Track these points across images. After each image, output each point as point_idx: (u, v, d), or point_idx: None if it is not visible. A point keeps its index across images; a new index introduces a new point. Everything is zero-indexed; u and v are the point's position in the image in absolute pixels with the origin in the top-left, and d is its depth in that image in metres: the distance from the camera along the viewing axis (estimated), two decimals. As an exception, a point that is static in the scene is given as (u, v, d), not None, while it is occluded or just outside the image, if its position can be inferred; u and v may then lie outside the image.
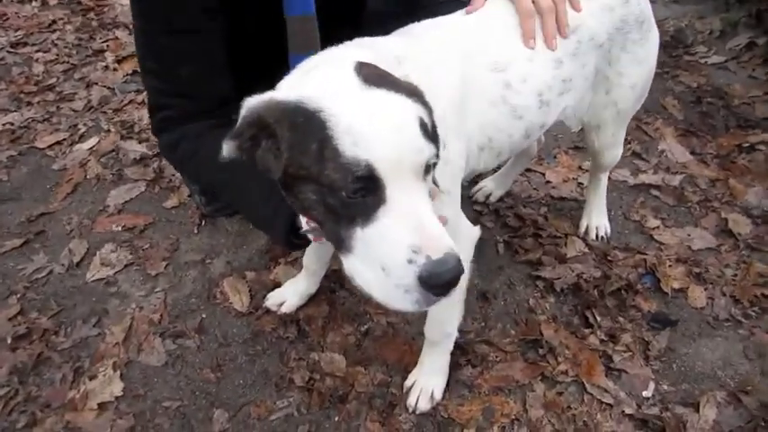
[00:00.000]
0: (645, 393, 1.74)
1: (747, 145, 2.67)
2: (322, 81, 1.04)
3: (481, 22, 1.51)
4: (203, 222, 2.35)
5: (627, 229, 2.31)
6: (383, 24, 1.47)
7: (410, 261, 0.94)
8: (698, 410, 1.69)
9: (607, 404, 1.72)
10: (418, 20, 1.50)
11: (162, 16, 1.50)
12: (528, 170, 2.55)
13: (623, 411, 1.70)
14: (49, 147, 2.79)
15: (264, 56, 1.60)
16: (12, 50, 3.56)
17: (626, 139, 2.02)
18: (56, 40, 3.66)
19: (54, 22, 3.85)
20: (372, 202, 0.97)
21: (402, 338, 1.91)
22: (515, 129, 1.55)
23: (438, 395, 1.72)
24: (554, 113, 1.65)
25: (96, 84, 3.24)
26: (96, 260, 2.21)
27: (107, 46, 3.59)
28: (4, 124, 2.94)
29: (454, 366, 1.78)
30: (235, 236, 2.29)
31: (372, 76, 1.03)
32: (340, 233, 1.02)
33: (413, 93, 1.05)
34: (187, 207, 2.43)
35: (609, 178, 2.28)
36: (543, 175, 2.57)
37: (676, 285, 2.06)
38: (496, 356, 1.85)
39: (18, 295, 2.08)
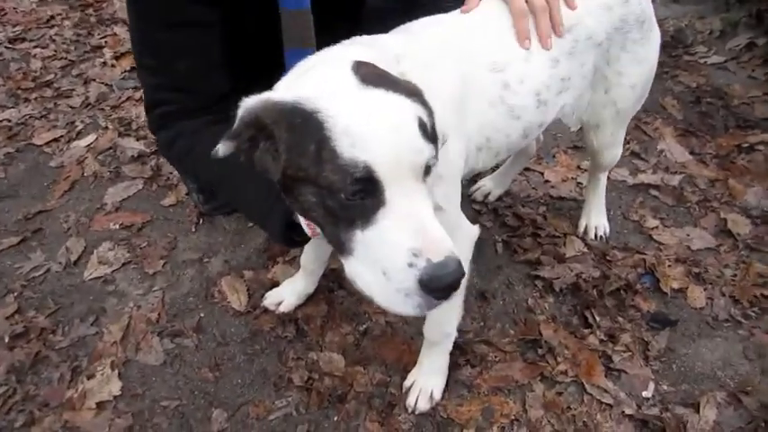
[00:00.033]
0: (645, 394, 1.74)
1: (747, 145, 2.67)
2: (319, 81, 1.03)
3: (480, 22, 1.50)
4: (201, 221, 2.34)
5: (626, 229, 2.30)
6: (382, 21, 1.47)
7: (410, 265, 0.93)
8: (698, 411, 1.69)
9: (607, 404, 1.72)
10: (417, 17, 1.49)
11: (159, 10, 1.50)
12: (527, 169, 2.55)
13: (623, 412, 1.69)
14: (47, 144, 2.78)
15: (262, 51, 1.59)
16: (9, 46, 3.55)
17: (625, 139, 2.02)
18: (54, 35, 3.65)
19: (52, 17, 3.83)
20: (372, 204, 0.96)
21: (401, 338, 1.90)
22: (513, 129, 1.54)
23: (437, 395, 1.71)
24: (552, 112, 1.64)
25: (94, 80, 3.23)
26: (94, 258, 2.20)
27: (105, 42, 3.57)
28: (1, 120, 2.93)
29: (453, 366, 1.78)
30: (233, 234, 2.28)
31: (370, 75, 1.02)
32: (340, 236, 1.01)
33: (412, 92, 1.04)
34: (185, 205, 2.42)
35: (608, 178, 2.27)
36: (542, 174, 2.56)
37: (676, 285, 2.05)
38: (496, 356, 1.84)
39: (15, 294, 2.07)
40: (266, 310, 1.99)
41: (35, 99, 3.09)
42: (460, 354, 1.82)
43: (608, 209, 2.29)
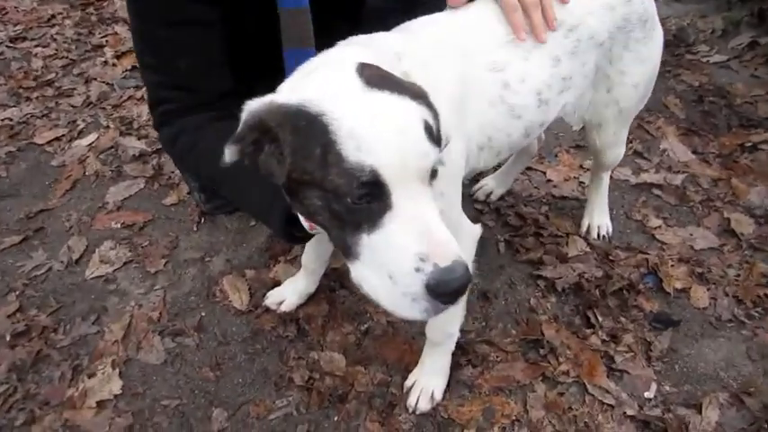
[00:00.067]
0: (647, 394, 1.73)
1: (750, 144, 2.65)
2: (323, 83, 1.03)
3: (479, 21, 1.49)
4: (203, 220, 2.34)
5: (629, 229, 2.30)
6: (382, 21, 1.46)
7: (417, 269, 0.93)
8: (700, 412, 1.68)
9: (608, 405, 1.71)
10: (417, 17, 1.49)
11: (159, 9, 1.50)
12: (529, 169, 2.54)
13: (625, 412, 1.68)
14: (48, 143, 2.78)
15: (262, 50, 1.59)
16: (11, 45, 3.55)
17: (627, 138, 2.01)
18: (55, 34, 3.64)
19: (53, 16, 3.83)
20: (378, 207, 0.95)
21: (402, 338, 1.90)
22: (514, 128, 1.53)
23: (438, 395, 1.71)
24: (553, 112, 1.63)
25: (95, 79, 3.23)
26: (95, 257, 2.19)
27: (106, 41, 3.57)
28: (2, 120, 2.93)
29: (454, 366, 1.77)
30: (234, 233, 2.28)
31: (375, 77, 1.01)
32: (346, 239, 1.00)
33: (417, 95, 1.03)
34: (186, 204, 2.42)
35: (610, 177, 2.26)
36: (544, 173, 2.55)
37: (678, 285, 2.04)
38: (497, 356, 1.84)
39: (17, 292, 2.07)
40: (267, 310, 1.98)
41: (36, 98, 3.09)
42: (462, 354, 1.81)
43: (610, 208, 2.29)
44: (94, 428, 1.69)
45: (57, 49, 3.50)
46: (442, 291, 0.93)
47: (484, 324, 1.94)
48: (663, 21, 1.77)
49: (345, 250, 1.03)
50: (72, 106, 3.03)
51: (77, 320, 1.97)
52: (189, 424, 1.70)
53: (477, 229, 1.54)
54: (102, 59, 3.39)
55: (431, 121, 1.00)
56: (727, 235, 2.24)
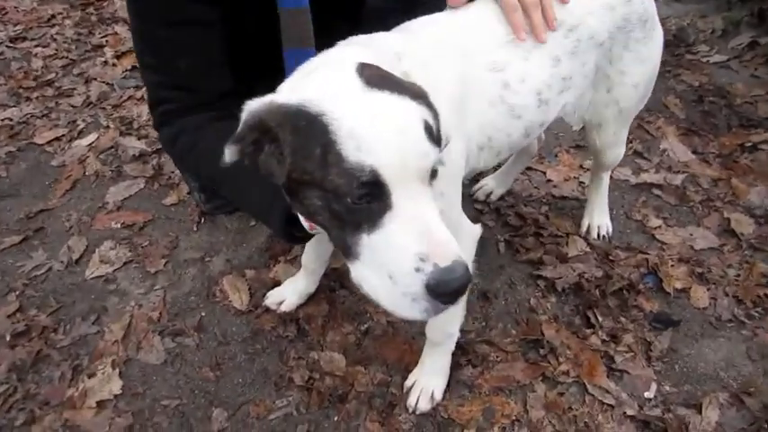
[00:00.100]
0: (647, 394, 1.73)
1: (750, 144, 2.65)
2: (323, 83, 1.02)
3: (479, 20, 1.49)
4: (203, 220, 2.34)
5: (629, 229, 2.30)
6: (382, 21, 1.46)
7: (417, 269, 0.93)
8: (700, 412, 1.68)
9: (608, 405, 1.71)
10: (417, 17, 1.49)
11: (158, 9, 1.50)
12: (529, 169, 2.54)
13: (625, 413, 1.68)
14: (48, 143, 2.78)
15: (262, 50, 1.59)
16: (11, 45, 3.54)
17: (627, 138, 2.01)
18: (55, 34, 3.64)
19: (53, 16, 3.83)
20: (378, 208, 0.95)
21: (402, 338, 1.89)
22: (514, 128, 1.53)
23: (438, 395, 1.70)
24: (553, 112, 1.63)
25: (95, 79, 3.23)
26: (95, 257, 2.19)
27: (106, 41, 3.57)
28: (2, 119, 2.93)
29: (454, 366, 1.77)
30: (234, 233, 2.28)
31: (375, 77, 1.01)
32: (346, 239, 1.00)
33: (417, 95, 1.03)
34: (186, 204, 2.42)
35: (610, 177, 2.26)
36: (544, 173, 2.55)
37: (678, 285, 2.04)
38: (497, 356, 1.84)
39: (17, 292, 2.07)
40: (267, 310, 1.98)
41: (36, 98, 3.09)
42: (462, 354, 1.81)
43: (610, 208, 2.29)
44: (94, 428, 1.68)
45: (57, 49, 3.50)
46: (442, 291, 0.93)
47: (484, 324, 1.94)
48: (663, 21, 1.77)
49: (345, 250, 1.03)
50: (72, 106, 3.03)
51: (77, 320, 1.97)
52: (189, 424, 1.70)
53: (477, 230, 1.54)
54: (102, 59, 3.39)
55: (431, 121, 1.00)
56: (727, 235, 2.24)
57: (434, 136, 1.00)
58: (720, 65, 3.22)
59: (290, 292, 1.98)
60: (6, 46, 3.53)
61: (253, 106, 1.03)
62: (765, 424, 1.65)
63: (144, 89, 3.03)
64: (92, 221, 2.36)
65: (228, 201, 2.09)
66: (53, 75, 3.28)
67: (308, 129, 0.95)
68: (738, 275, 2.08)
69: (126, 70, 3.30)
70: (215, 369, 1.83)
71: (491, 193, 2.41)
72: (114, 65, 3.35)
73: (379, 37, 1.36)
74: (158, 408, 1.74)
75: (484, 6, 1.51)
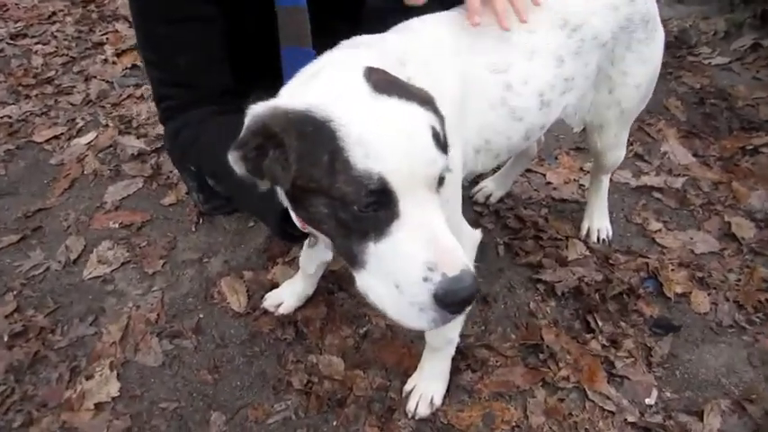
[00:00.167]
0: (647, 401, 1.72)
1: (751, 147, 2.64)
2: (330, 88, 1.01)
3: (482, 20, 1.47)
4: (201, 220, 2.33)
5: (629, 232, 2.29)
6: (382, 21, 1.44)
7: (425, 279, 0.92)
8: (701, 419, 1.67)
9: (609, 411, 1.70)
10: (417, 16, 1.47)
11: (157, 6, 1.50)
12: (529, 171, 2.53)
13: (625, 419, 1.68)
14: (47, 141, 2.77)
15: (262, 47, 1.58)
16: (11, 42, 3.53)
17: (628, 141, 2.00)
18: (55, 32, 3.63)
19: (54, 13, 3.82)
20: (385, 216, 0.94)
21: (401, 341, 1.89)
22: (514, 131, 1.52)
23: (438, 400, 1.70)
24: (555, 114, 1.62)
25: (95, 77, 3.22)
26: (93, 257, 2.19)
27: (106, 39, 3.56)
28: (1, 117, 2.92)
29: (454, 371, 1.76)
30: (233, 234, 2.27)
31: (383, 82, 0.99)
32: (352, 248, 0.99)
33: (425, 100, 1.01)
34: (185, 204, 2.41)
35: (610, 180, 2.25)
36: (544, 176, 2.54)
37: (679, 290, 2.03)
38: (497, 361, 1.83)
39: (15, 292, 2.07)
40: (266, 312, 1.97)
41: (36, 96, 3.08)
42: (461, 358, 1.80)
43: (610, 211, 2.28)
44: (92, 431, 1.68)
45: (57, 47, 3.49)
46: (450, 300, 0.92)
47: (483, 328, 1.93)
48: (665, 22, 1.75)
49: (351, 259, 1.01)
50: (71, 104, 3.02)
51: (75, 321, 1.97)
52: (187, 427, 1.69)
53: (477, 234, 1.53)
54: (103, 57, 3.38)
55: (438, 128, 0.99)
56: (728, 239, 2.23)
57: (441, 142, 0.99)
58: (722, 67, 3.20)
59: (288, 295, 1.97)
60: (6, 43, 3.52)
61: (256, 110, 1.01)
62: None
63: (144, 88, 3.05)
64: (90, 221, 2.35)
65: (227, 197, 2.08)
66: (53, 72, 3.26)
67: (315, 135, 0.94)
68: (739, 280, 2.07)
69: (126, 68, 3.28)
70: (213, 372, 1.82)
71: (490, 195, 2.41)
72: (114, 63, 3.33)
73: (382, 38, 1.34)
74: (156, 410, 1.73)
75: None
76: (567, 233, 2.27)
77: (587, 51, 1.56)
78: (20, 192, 2.50)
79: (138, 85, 3.10)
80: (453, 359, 1.73)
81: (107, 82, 3.18)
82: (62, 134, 2.81)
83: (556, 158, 2.64)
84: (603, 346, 1.86)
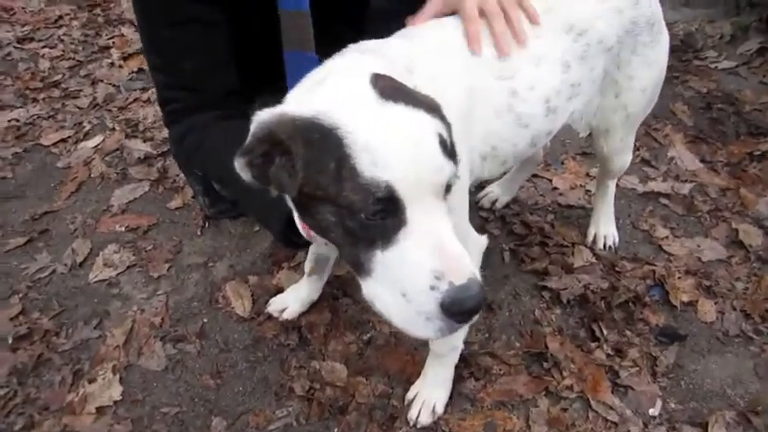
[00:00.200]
0: (651, 411, 1.70)
1: (759, 153, 2.62)
2: (337, 95, 1.00)
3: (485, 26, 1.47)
4: (207, 224, 2.33)
5: (635, 239, 2.27)
6: (386, 23, 1.44)
7: (432, 287, 0.91)
8: (706, 430, 1.65)
9: (612, 422, 1.68)
10: None
11: (160, 9, 1.51)
12: (535, 176, 2.52)
13: (629, 430, 1.66)
14: (54, 144, 2.79)
15: (266, 51, 1.58)
16: (18, 46, 3.56)
17: (635, 146, 1.98)
18: (62, 36, 3.66)
19: (60, 17, 3.84)
20: (392, 224, 0.93)
21: (404, 348, 1.88)
22: (520, 138, 1.51)
23: (440, 409, 1.69)
24: (561, 119, 1.61)
25: (102, 81, 3.23)
26: (99, 261, 2.19)
27: (113, 43, 3.58)
28: (9, 120, 2.93)
29: (457, 379, 1.75)
30: (238, 239, 2.27)
31: (389, 89, 0.98)
32: (359, 256, 0.98)
33: (432, 108, 1.01)
34: (191, 208, 2.41)
35: (617, 185, 2.23)
36: (550, 181, 2.53)
37: (685, 298, 2.01)
38: (500, 369, 1.81)
39: (20, 295, 2.08)
40: (270, 317, 1.97)
41: (43, 99, 3.10)
42: (465, 366, 1.79)
43: (617, 217, 2.26)
44: (93, 435, 1.68)
45: (64, 51, 3.51)
46: (457, 309, 0.91)
47: (487, 336, 1.92)
48: (670, 26, 1.75)
49: (357, 267, 1.00)
50: (78, 108, 3.04)
51: (80, 324, 1.97)
52: (188, 432, 1.69)
53: (483, 240, 1.52)
54: (109, 61, 3.40)
55: (445, 135, 0.99)
56: (735, 246, 2.21)
57: (449, 150, 0.98)
58: (729, 71, 3.18)
59: (292, 300, 1.97)
60: (14, 47, 3.54)
61: (262, 117, 1.00)
62: (772, 444, 1.62)
63: (150, 91, 3.06)
64: (96, 224, 2.36)
65: (232, 202, 2.08)
66: (60, 76, 3.28)
67: (322, 142, 0.93)
68: (746, 289, 2.05)
69: (132, 72, 3.30)
70: (215, 377, 1.82)
71: (496, 200, 2.40)
72: (121, 66, 3.35)
73: (387, 44, 1.34)
74: (158, 415, 1.73)
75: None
76: (573, 239, 2.25)
77: (593, 56, 1.55)
78: (27, 195, 2.51)
79: (144, 89, 3.12)
80: (456, 367, 1.72)
81: (114, 86, 3.20)
82: (69, 137, 2.83)
83: (562, 163, 2.62)
84: (608, 356, 1.84)
